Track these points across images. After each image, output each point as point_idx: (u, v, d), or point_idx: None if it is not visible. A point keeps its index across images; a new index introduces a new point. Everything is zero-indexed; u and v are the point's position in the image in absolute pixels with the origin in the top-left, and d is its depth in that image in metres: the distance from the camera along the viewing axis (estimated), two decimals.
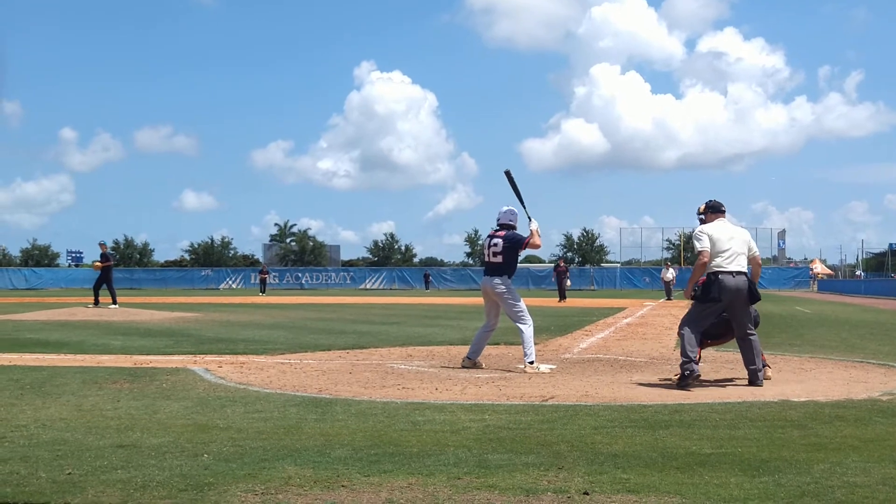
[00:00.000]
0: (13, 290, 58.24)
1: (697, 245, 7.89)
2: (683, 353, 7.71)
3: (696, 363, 7.69)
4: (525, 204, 9.47)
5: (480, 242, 72.47)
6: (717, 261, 7.78)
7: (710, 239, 7.83)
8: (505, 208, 9.48)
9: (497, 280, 9.23)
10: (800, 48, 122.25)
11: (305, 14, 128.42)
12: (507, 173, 9.49)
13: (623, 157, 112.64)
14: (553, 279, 34.27)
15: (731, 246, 7.85)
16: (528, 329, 9.08)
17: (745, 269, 7.88)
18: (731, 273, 7.77)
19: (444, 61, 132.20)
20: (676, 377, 7.82)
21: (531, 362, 8.95)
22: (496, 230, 9.46)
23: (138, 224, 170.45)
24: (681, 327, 7.96)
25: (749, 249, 7.99)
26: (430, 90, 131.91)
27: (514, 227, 9.42)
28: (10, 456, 4.67)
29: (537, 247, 9.40)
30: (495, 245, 9.25)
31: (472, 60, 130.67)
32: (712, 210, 8.14)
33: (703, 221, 8.16)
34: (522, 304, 9.27)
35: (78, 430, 5.48)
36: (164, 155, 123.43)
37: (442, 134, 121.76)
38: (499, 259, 9.22)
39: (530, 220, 9.36)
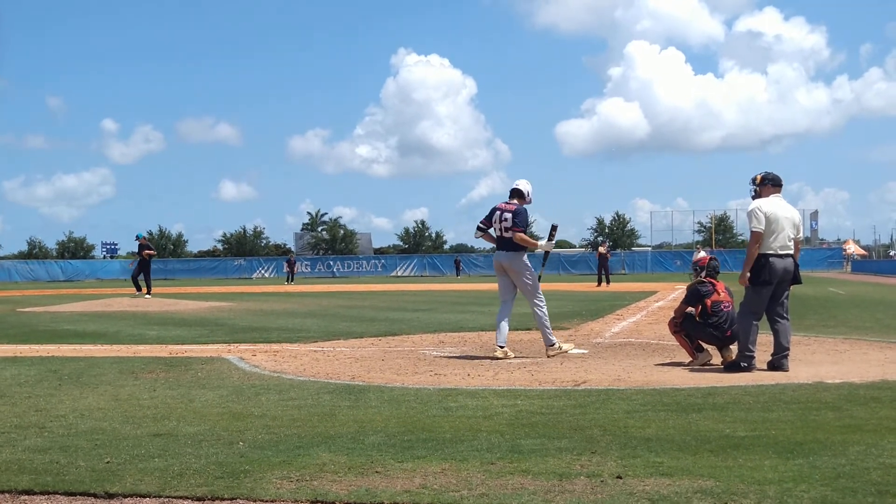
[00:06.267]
0: (50, 281, 59.15)
1: (752, 224, 7.69)
2: (744, 347, 7.64)
3: (755, 359, 7.61)
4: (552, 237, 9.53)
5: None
6: (768, 242, 7.66)
7: (767, 219, 7.65)
8: (521, 181, 9.27)
9: (511, 253, 9.03)
10: (841, 27, 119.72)
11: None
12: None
13: (661, 138, 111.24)
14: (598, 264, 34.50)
15: (784, 227, 7.69)
16: (540, 310, 8.89)
17: (791, 251, 7.77)
18: (780, 256, 7.68)
19: (482, 45, 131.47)
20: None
21: (552, 344, 8.87)
22: (507, 202, 9.15)
23: (176, 215, 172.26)
24: (741, 316, 7.79)
25: (797, 232, 7.85)
26: (470, 75, 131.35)
27: (523, 196, 9.19)
28: (49, 445, 4.76)
29: (520, 242, 9.02)
30: (506, 220, 8.97)
31: (509, 44, 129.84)
32: (772, 183, 7.90)
33: (756, 193, 7.94)
34: (537, 281, 9.09)
35: (115, 419, 5.57)
36: (206, 145, 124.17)
37: (481, 120, 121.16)
38: (510, 234, 8.98)
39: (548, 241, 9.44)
